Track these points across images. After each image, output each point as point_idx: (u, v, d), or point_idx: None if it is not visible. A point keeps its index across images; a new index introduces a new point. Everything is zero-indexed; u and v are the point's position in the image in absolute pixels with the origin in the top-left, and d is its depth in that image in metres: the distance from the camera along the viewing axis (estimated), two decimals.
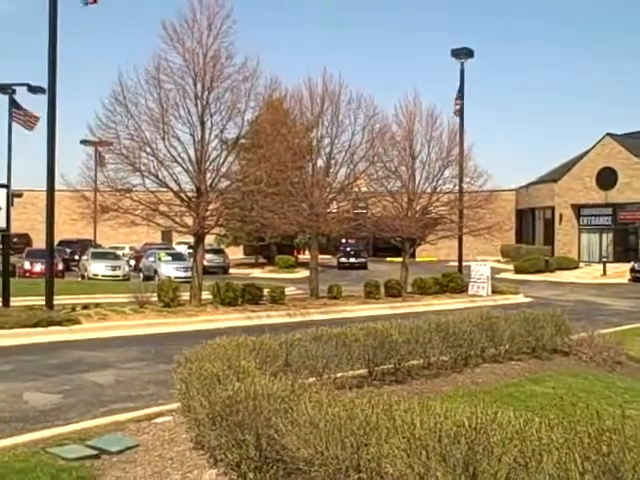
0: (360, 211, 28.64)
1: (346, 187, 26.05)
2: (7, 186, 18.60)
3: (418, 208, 28.63)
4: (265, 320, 19.71)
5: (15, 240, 40.52)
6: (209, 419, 6.02)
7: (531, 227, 58.76)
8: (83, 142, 45.31)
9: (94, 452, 7.06)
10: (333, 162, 25.72)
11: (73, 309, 18.50)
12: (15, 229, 18.62)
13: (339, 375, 9.15)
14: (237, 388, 5.85)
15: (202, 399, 6.08)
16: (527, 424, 4.41)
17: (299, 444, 5.00)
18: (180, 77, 20.37)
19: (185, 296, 21.50)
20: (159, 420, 8.23)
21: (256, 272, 49.23)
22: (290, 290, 27.49)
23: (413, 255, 33.37)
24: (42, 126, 43.41)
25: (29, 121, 44.25)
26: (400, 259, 30.22)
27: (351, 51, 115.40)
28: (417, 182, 28.67)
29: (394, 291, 26.33)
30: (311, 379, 7.82)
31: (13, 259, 26.30)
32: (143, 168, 20.12)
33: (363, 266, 52.08)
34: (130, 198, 20.49)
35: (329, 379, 8.62)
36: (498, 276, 39.83)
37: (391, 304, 24.46)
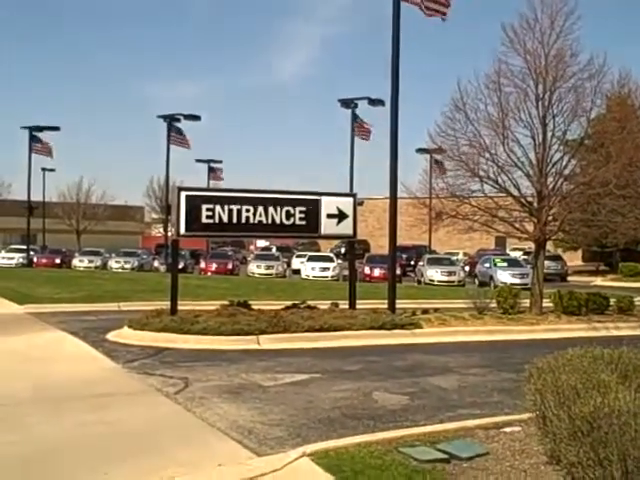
0: None
1: None
2: (354, 195, 19.88)
3: None
4: (613, 332, 18.64)
5: (355, 246, 43.18)
6: (567, 434, 5.80)
7: None
8: (419, 151, 47.07)
9: (444, 456, 7.18)
10: None
11: (413, 313, 19.11)
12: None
13: None
14: (599, 403, 5.58)
15: (560, 412, 5.89)
16: None
17: None
18: (520, 79, 20.09)
19: (524, 303, 21.15)
20: (507, 429, 8.14)
21: (597, 280, 46.90)
22: (639, 300, 25.73)
23: None
24: (379, 138, 45.87)
25: (364, 133, 46.99)
26: None
27: None
28: None
29: None
30: None
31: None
32: (482, 174, 20.19)
33: None
34: (469, 204, 20.69)
35: None
36: None
37: None
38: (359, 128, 46.85)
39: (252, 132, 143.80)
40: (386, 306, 18.99)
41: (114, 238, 73.13)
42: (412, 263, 49.60)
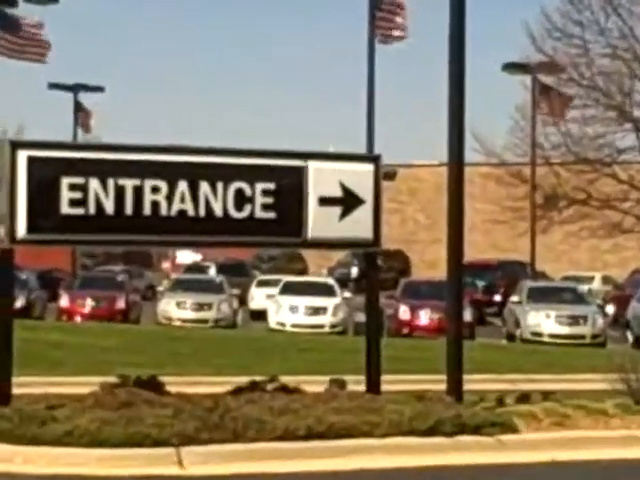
0: None
1: None
2: (375, 158, 19.76)
3: None
4: None
5: (379, 263, 42.86)
6: None
7: None
8: (509, 68, 46.99)
9: None
10: None
11: (500, 402, 19.11)
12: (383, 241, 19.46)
13: None
14: None
15: None
16: None
17: None
18: None
19: None
20: None
21: None
22: None
23: None
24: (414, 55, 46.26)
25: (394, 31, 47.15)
26: None
27: None
28: None
29: None
30: None
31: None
32: (638, 114, 20.32)
33: None
34: (613, 176, 20.76)
35: None
36: None
37: None
38: (383, 24, 46.92)
39: (169, 30, 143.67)
40: (444, 387, 19.13)
41: None
42: (497, 299, 49.55)
